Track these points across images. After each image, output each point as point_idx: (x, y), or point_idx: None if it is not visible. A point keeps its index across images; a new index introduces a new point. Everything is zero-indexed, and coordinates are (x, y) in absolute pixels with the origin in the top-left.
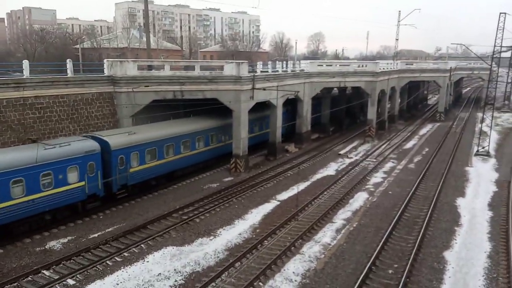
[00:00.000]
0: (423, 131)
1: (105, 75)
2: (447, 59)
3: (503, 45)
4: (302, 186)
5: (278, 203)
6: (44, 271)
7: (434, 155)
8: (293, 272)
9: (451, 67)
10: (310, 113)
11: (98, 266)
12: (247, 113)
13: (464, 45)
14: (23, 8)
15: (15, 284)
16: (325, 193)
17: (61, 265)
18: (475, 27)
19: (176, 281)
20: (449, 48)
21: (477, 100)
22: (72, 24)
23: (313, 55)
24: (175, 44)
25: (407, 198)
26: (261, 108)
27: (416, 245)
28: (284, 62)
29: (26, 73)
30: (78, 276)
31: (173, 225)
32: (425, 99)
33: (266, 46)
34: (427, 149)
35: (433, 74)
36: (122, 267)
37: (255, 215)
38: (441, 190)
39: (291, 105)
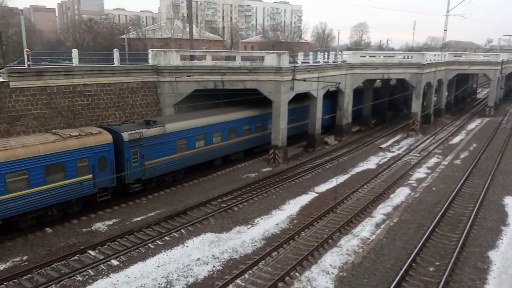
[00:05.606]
0: (471, 126)
1: (149, 64)
2: (499, 51)
3: None
4: (341, 179)
5: (316, 195)
6: (90, 251)
7: (482, 151)
8: (330, 265)
9: (502, 60)
10: (351, 105)
11: (140, 248)
12: (287, 104)
13: None
14: None
15: (62, 262)
16: (364, 186)
17: (106, 246)
18: None
19: (214, 266)
20: (501, 40)
21: None
22: (119, 15)
23: (356, 46)
24: (217, 34)
25: (452, 195)
26: (301, 99)
27: (460, 243)
28: (326, 53)
29: (75, 61)
30: (121, 257)
31: (212, 213)
32: (474, 92)
33: (307, 37)
34: (474, 145)
35: (483, 67)
36: (163, 250)
37: (293, 206)
38: (488, 187)
39: (332, 96)
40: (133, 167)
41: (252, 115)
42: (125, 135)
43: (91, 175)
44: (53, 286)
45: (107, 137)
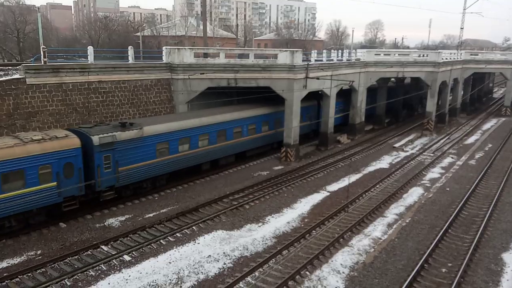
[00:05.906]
0: (486, 126)
1: (163, 62)
2: None
3: None
4: (353, 178)
5: (328, 194)
6: (103, 246)
7: (498, 151)
8: (341, 264)
9: None
10: (365, 104)
11: (152, 244)
12: (300, 102)
13: None
14: None
15: (75, 256)
16: (377, 186)
17: (119, 241)
18: None
19: (225, 264)
20: None
21: None
22: (134, 12)
23: (371, 44)
24: (231, 32)
25: (466, 196)
26: (313, 97)
27: (473, 245)
28: (339, 51)
29: (90, 59)
30: (134, 252)
31: (223, 210)
32: (490, 92)
33: (321, 35)
34: (490, 145)
35: (500, 66)
36: (174, 247)
37: (304, 205)
38: (503, 188)
39: (345, 95)
40: (105, 173)
41: (244, 117)
42: (95, 139)
43: (55, 183)
44: (66, 280)
45: (74, 141)
